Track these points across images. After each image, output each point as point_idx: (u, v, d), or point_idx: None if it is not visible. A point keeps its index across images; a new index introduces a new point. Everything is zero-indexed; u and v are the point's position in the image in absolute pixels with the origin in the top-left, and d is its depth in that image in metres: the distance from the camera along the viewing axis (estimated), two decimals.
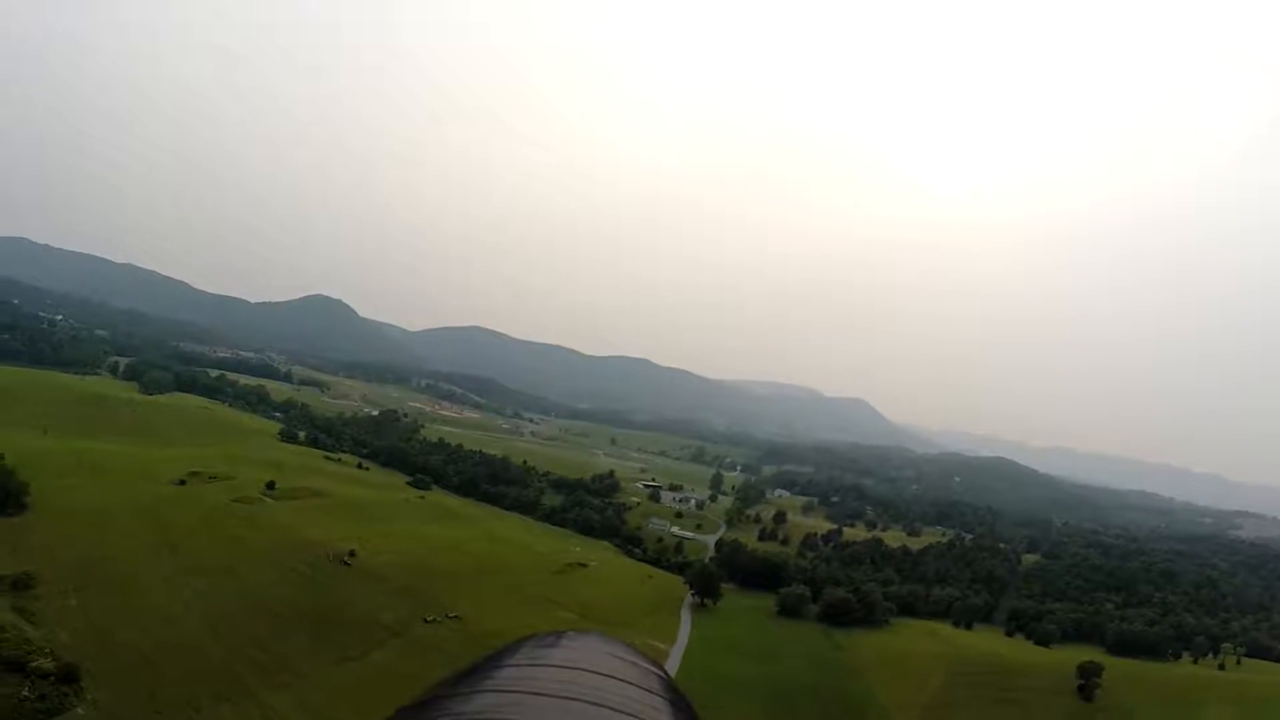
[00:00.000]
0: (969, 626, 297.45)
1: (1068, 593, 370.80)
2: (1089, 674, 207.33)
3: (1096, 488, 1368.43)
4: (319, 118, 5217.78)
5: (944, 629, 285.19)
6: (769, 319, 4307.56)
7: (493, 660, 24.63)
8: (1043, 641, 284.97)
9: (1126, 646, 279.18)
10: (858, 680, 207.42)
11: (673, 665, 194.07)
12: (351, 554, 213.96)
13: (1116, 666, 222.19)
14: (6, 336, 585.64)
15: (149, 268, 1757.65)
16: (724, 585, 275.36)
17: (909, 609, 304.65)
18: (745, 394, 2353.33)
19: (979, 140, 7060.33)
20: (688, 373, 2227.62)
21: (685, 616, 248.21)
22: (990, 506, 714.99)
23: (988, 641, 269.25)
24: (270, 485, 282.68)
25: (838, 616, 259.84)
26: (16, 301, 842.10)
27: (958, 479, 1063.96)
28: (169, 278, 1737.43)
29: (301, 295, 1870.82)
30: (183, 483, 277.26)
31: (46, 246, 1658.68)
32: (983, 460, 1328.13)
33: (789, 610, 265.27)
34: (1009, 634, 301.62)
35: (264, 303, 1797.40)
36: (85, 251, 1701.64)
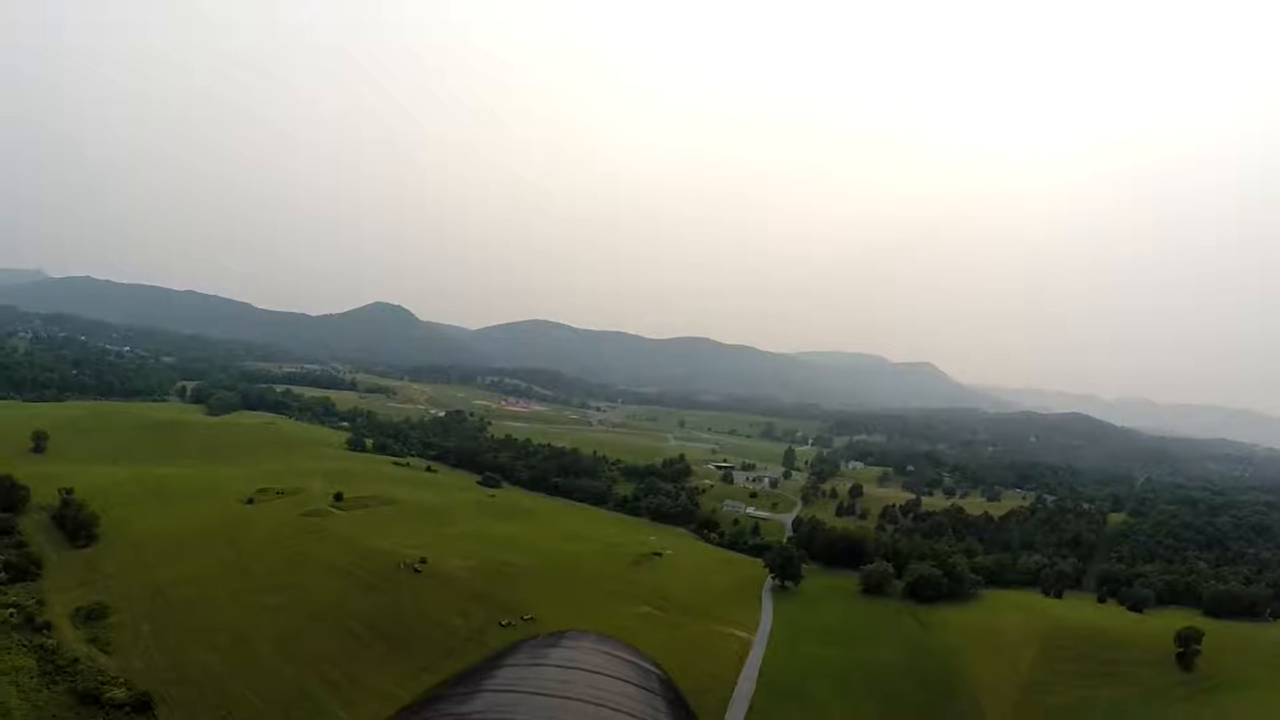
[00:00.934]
0: (1059, 595, 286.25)
1: (1158, 553, 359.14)
2: (1188, 641, 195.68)
3: (1175, 438, 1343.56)
4: (362, 134, 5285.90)
5: (1034, 599, 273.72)
6: (829, 289, 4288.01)
7: (493, 660, 30.98)
8: (1136, 607, 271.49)
9: (1223, 608, 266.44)
10: (949, 660, 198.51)
11: (756, 654, 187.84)
12: (422, 561, 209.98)
13: (1215, 631, 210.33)
14: (75, 372, 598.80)
15: (210, 292, 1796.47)
16: (804, 566, 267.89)
17: (996, 579, 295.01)
18: (811, 365, 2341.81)
19: (1033, 97, 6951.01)
20: (751, 348, 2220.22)
21: (766, 601, 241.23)
22: (1070, 465, 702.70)
23: (1080, 610, 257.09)
24: (338, 496, 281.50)
25: (923, 592, 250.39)
26: (84, 338, 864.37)
27: (1033, 438, 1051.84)
28: (230, 300, 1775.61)
29: (361, 304, 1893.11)
30: (251, 501, 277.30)
31: (108, 282, 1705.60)
32: (1057, 417, 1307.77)
33: (873, 588, 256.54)
34: (1100, 600, 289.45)
35: (325, 315, 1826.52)
36: (147, 283, 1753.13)
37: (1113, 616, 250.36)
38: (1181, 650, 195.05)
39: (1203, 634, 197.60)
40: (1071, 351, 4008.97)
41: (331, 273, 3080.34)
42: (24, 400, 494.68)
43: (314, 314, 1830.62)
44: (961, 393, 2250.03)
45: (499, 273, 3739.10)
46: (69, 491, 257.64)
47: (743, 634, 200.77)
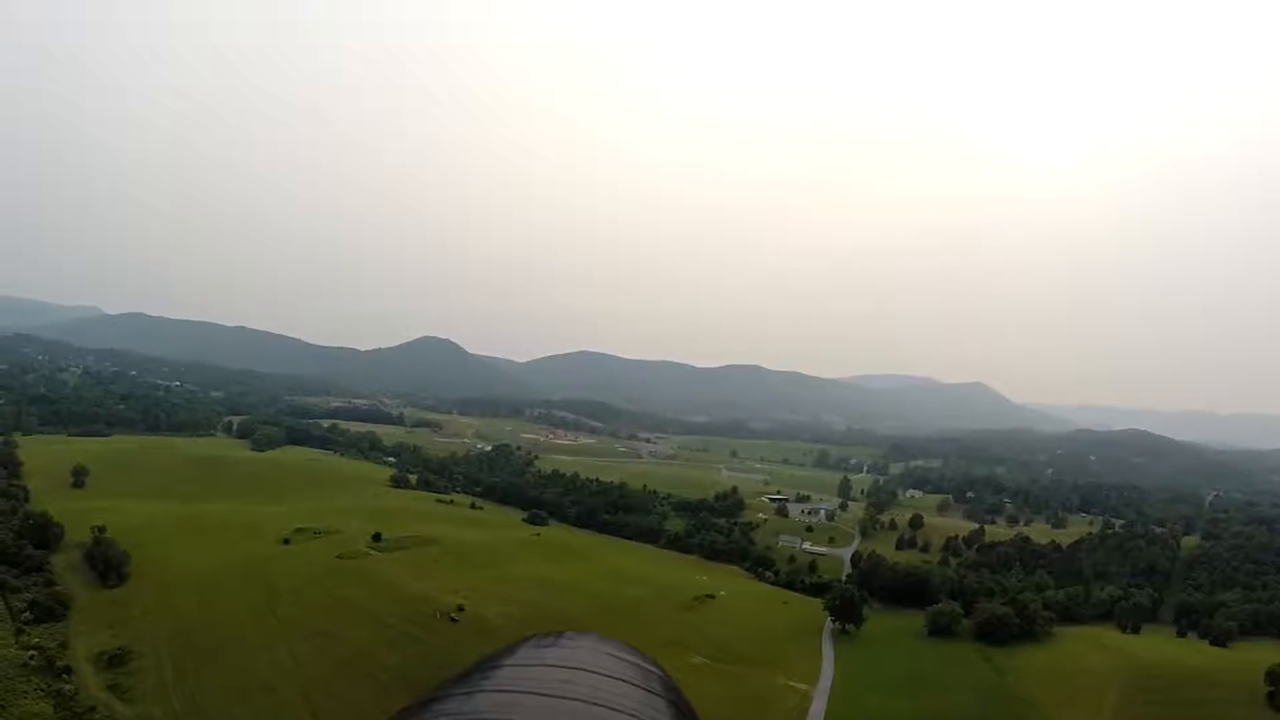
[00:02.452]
0: (1136, 629, 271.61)
1: (1237, 579, 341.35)
2: (1279, 680, 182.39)
3: (1240, 451, 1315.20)
4: (416, 176, 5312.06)
5: (1111, 635, 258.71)
6: (874, 309, 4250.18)
7: (493, 660, 29.91)
8: (1219, 640, 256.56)
9: None
10: (1027, 709, 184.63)
11: (818, 708, 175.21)
12: (460, 608, 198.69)
13: None
14: (122, 406, 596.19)
15: (260, 328, 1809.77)
16: (866, 606, 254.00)
17: (1069, 615, 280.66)
18: (861, 389, 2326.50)
19: (1077, 103, 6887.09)
20: (800, 374, 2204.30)
21: (827, 647, 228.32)
22: (1133, 485, 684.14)
23: (1160, 647, 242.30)
24: (376, 537, 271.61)
25: (994, 633, 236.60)
26: (134, 372, 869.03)
27: (1093, 457, 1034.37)
28: (280, 335, 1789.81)
29: (411, 339, 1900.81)
30: (287, 541, 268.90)
31: (161, 318, 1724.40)
32: (1116, 435, 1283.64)
33: (940, 630, 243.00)
34: (1180, 634, 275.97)
35: (374, 349, 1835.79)
36: (198, 319, 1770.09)
37: (1196, 653, 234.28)
38: (1273, 689, 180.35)
39: None
40: (1125, 362, 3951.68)
41: (381, 309, 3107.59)
42: (70, 435, 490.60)
43: (364, 349, 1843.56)
44: (1015, 411, 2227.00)
45: (547, 304, 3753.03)
46: (101, 529, 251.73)
47: (802, 685, 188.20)
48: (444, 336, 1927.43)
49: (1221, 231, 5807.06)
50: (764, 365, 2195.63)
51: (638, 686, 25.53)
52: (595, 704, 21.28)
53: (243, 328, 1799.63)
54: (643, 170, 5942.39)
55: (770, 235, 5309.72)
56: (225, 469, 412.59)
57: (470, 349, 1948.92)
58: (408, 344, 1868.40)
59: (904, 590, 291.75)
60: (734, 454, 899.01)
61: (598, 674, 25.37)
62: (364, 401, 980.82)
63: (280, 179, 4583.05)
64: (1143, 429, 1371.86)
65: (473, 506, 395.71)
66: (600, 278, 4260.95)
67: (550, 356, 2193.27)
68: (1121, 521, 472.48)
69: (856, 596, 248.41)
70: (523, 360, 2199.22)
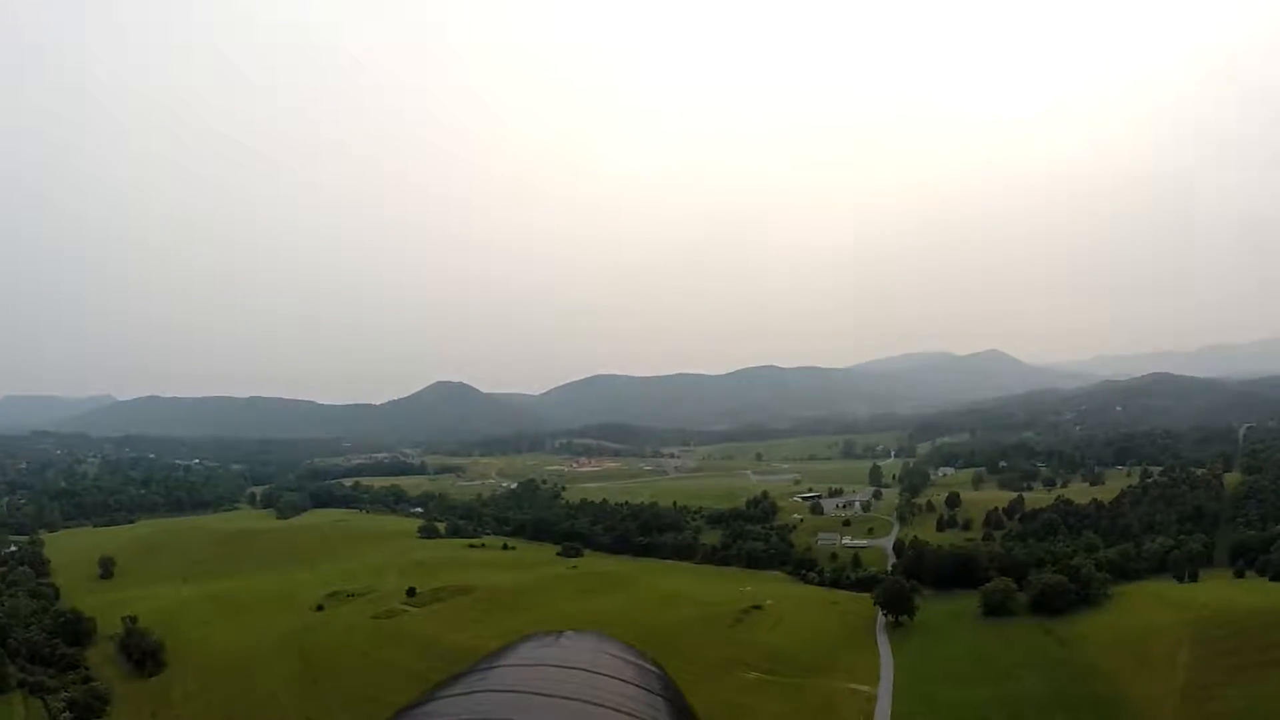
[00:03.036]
0: (1194, 577, 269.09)
1: None
2: None
3: (1265, 378, 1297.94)
4: (400, 224, 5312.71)
5: (1169, 588, 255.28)
6: (880, 292, 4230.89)
7: (492, 660, 24.46)
8: None
9: None
10: (1099, 680, 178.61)
11: (883, 709, 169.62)
12: None
13: None
14: (144, 491, 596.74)
15: (274, 395, 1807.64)
16: (916, 595, 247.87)
17: (1123, 572, 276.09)
18: (878, 374, 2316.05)
19: (1063, 56, 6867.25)
20: (815, 368, 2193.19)
21: (883, 642, 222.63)
22: (1165, 430, 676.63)
23: (1223, 592, 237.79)
24: (410, 592, 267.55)
25: (1052, 604, 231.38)
26: (152, 455, 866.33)
27: (1119, 408, 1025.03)
28: (294, 400, 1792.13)
29: (423, 386, 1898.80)
30: (321, 608, 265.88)
31: (175, 399, 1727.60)
32: (1138, 381, 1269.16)
33: (995, 609, 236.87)
34: (1239, 575, 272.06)
35: (389, 402, 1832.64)
36: (212, 395, 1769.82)
37: (1260, 593, 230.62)
38: None
39: None
40: (1136, 306, 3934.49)
41: (391, 360, 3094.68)
42: (95, 525, 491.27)
43: (378, 402, 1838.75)
44: (1033, 373, 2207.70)
45: (553, 333, 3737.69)
46: (133, 619, 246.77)
47: (864, 687, 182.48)
48: (456, 380, 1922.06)
49: (1218, 161, 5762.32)
50: (778, 364, 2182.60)
51: (637, 686, 23.27)
52: (595, 704, 20.18)
53: (257, 398, 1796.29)
54: (638, 185, 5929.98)
55: (769, 233, 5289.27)
56: (253, 541, 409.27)
57: (483, 389, 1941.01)
58: (421, 391, 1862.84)
59: (952, 572, 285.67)
60: (759, 457, 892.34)
61: (597, 674, 23.60)
62: (385, 455, 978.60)
63: (277, 245, 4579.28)
64: (1164, 371, 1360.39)
65: (505, 547, 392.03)
66: (602, 299, 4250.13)
67: (564, 385, 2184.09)
68: (1159, 469, 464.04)
69: (905, 586, 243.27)
70: (537, 393, 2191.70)
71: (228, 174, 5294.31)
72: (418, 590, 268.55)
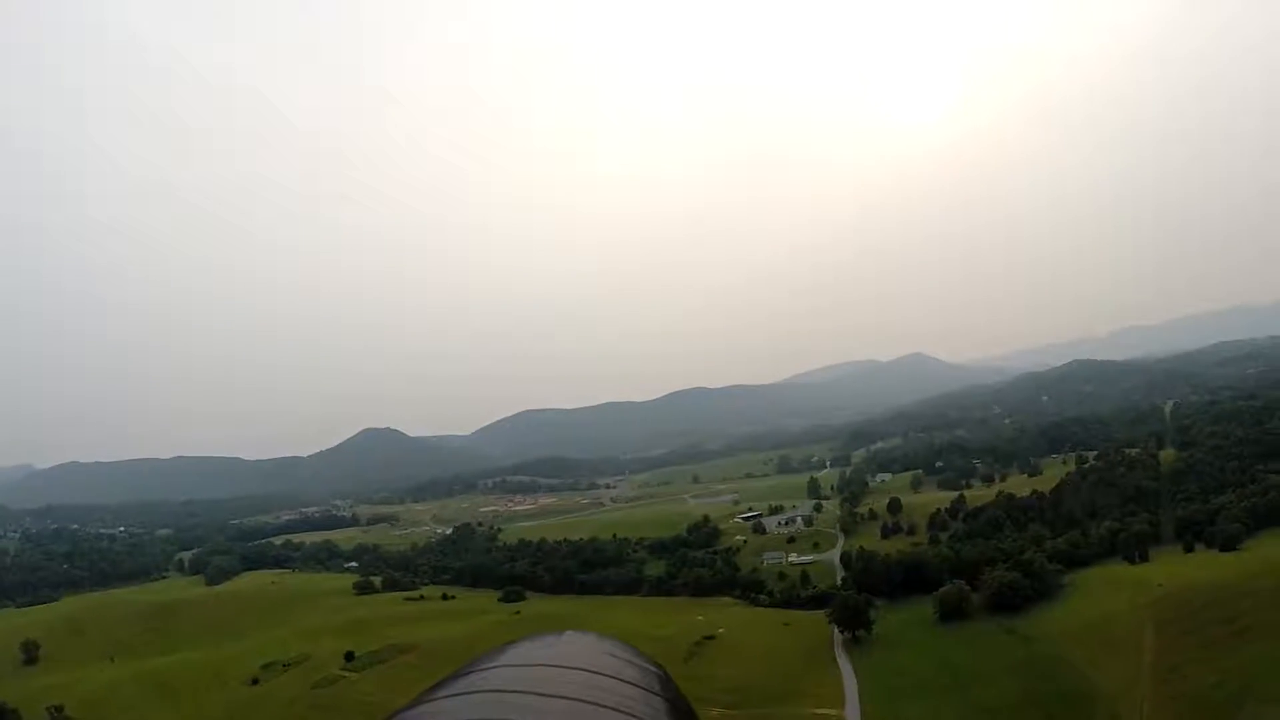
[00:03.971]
0: (1144, 557, 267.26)
1: (1226, 479, 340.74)
2: None
3: (1180, 355, 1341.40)
4: (320, 265, 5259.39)
5: (1122, 570, 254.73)
6: (803, 309, 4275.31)
7: (490, 660, 25.17)
8: (1229, 545, 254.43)
9: None
10: (1067, 673, 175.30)
11: None
12: None
13: None
14: (66, 566, 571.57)
15: (198, 455, 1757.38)
16: (870, 607, 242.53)
17: (1074, 560, 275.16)
18: (806, 386, 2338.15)
19: (941, 61, 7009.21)
20: (743, 385, 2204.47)
21: (843, 661, 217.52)
22: (1094, 415, 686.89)
23: (1176, 568, 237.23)
24: (349, 656, 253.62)
25: (1008, 601, 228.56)
26: (75, 526, 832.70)
27: (1045, 397, 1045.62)
28: (220, 458, 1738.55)
29: (350, 435, 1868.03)
30: (256, 681, 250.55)
31: (96, 464, 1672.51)
32: (1060, 369, 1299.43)
33: (951, 612, 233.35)
34: (1188, 549, 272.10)
35: (317, 453, 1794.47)
36: (134, 458, 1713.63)
37: (1213, 565, 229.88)
38: None
39: None
40: (1048, 296, 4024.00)
41: (316, 411, 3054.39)
42: (18, 606, 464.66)
43: (305, 454, 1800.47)
44: (958, 372, 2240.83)
45: (478, 371, 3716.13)
46: (59, 709, 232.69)
47: (831, 711, 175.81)
48: (384, 426, 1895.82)
49: (1113, 156, 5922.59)
50: (706, 385, 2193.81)
51: (637, 686, 24.06)
52: (595, 704, 19.73)
53: (180, 457, 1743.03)
54: (551, 215, 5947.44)
55: (687, 254, 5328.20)
56: (181, 613, 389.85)
57: (411, 433, 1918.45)
58: (348, 441, 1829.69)
59: (903, 579, 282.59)
60: (696, 479, 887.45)
61: (596, 673, 24.12)
62: (315, 509, 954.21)
63: (192, 296, 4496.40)
64: (1082, 358, 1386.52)
65: (444, 597, 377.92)
66: (523, 332, 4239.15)
67: (493, 423, 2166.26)
68: (1094, 453, 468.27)
69: (858, 601, 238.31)
70: (467, 433, 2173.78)
71: (137, 220, 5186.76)
72: (356, 653, 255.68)
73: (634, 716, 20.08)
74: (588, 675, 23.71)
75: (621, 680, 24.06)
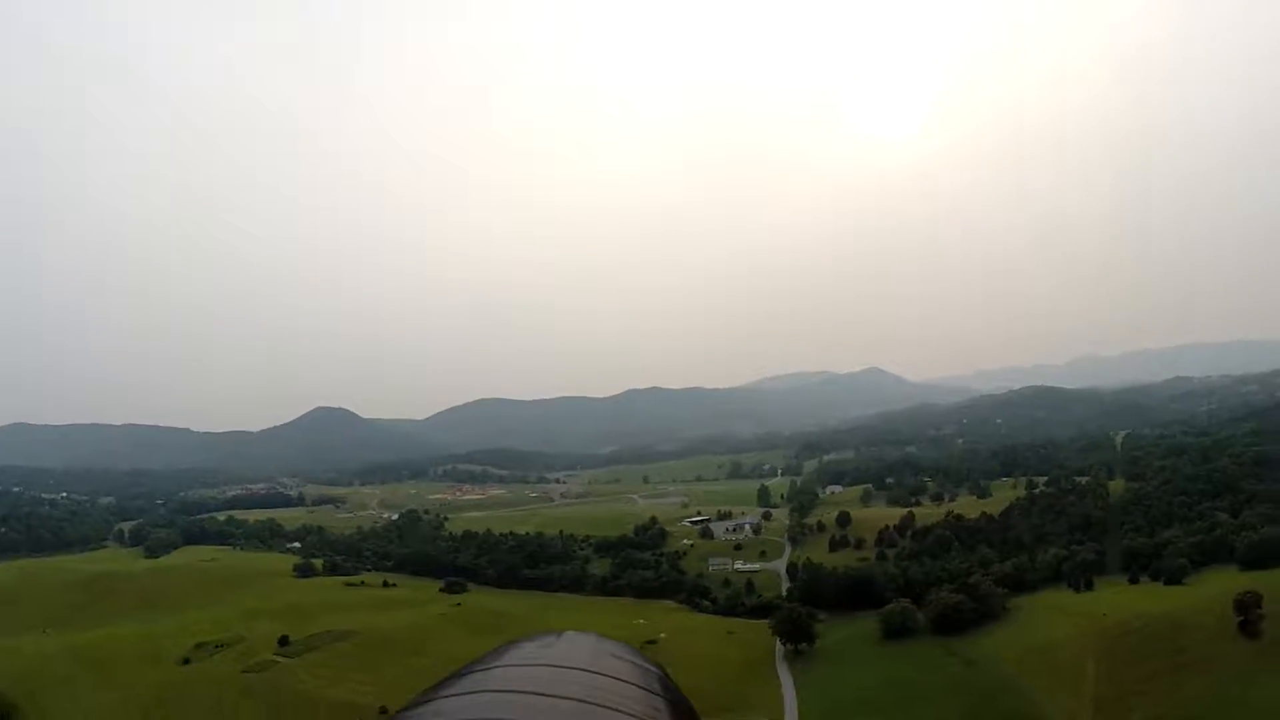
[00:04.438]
0: (1090, 586, 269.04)
1: (1173, 513, 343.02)
2: (1247, 607, 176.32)
3: (1132, 387, 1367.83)
4: (280, 234, 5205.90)
5: (1067, 598, 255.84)
6: (764, 315, 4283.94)
7: (491, 660, 26.69)
8: (1174, 579, 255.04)
9: (1262, 557, 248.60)
10: (1010, 697, 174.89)
11: None
12: (383, 710, 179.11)
13: (1265, 583, 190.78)
14: (3, 530, 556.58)
15: (149, 423, 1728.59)
16: (815, 620, 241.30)
17: (1019, 584, 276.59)
18: (762, 394, 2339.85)
19: (918, 74, 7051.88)
20: (699, 388, 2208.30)
21: (784, 673, 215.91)
22: (1046, 440, 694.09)
23: (1120, 599, 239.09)
24: (284, 641, 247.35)
25: (953, 623, 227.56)
26: (17, 488, 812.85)
27: (999, 420, 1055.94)
28: (170, 428, 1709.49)
29: (302, 412, 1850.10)
30: (188, 661, 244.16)
31: (45, 426, 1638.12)
32: (1015, 394, 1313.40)
33: (896, 631, 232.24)
34: (1133, 580, 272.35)
35: (267, 429, 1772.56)
36: (84, 422, 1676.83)
37: (1157, 597, 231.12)
38: (1243, 618, 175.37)
39: (1261, 596, 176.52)
40: (1008, 321, 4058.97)
41: (268, 385, 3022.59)
42: None
43: (255, 430, 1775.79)
44: (914, 389, 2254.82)
45: (435, 357, 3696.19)
46: None
47: None
48: (337, 405, 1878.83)
49: (1083, 186, 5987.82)
50: (662, 385, 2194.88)
51: (637, 686, 23.89)
52: (594, 704, 20.02)
53: (132, 425, 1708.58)
54: (512, 207, 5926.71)
55: (648, 256, 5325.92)
56: (119, 585, 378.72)
57: (365, 414, 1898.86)
58: (300, 418, 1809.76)
59: (849, 594, 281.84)
60: (646, 480, 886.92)
61: (597, 674, 23.85)
62: (261, 486, 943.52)
63: (153, 263, 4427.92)
64: (1039, 384, 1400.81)
65: (386, 585, 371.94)
66: (484, 322, 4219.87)
67: (449, 410, 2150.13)
68: (1044, 479, 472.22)
69: (803, 614, 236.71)
70: (421, 418, 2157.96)
71: (94, 181, 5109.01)
72: (291, 638, 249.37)
73: (634, 717, 20.07)
74: (588, 675, 23.64)
75: (621, 680, 23.97)
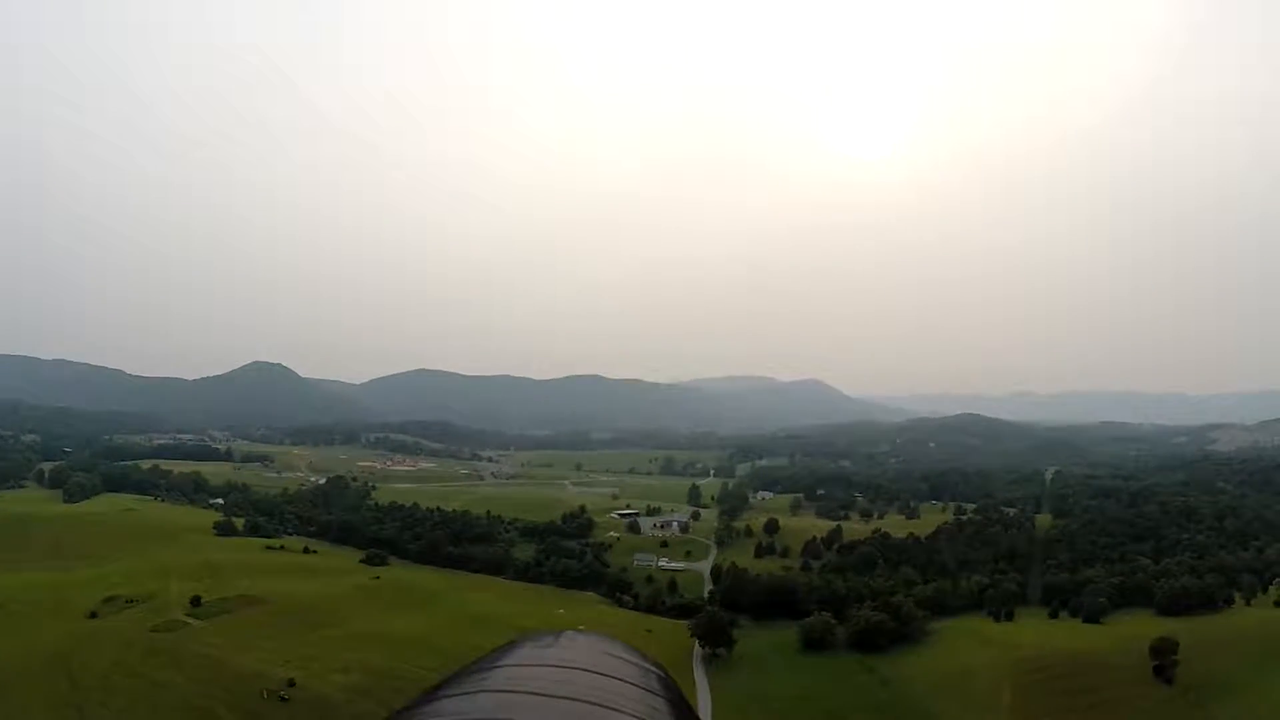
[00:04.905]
0: (1009, 616, 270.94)
1: (1097, 554, 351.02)
2: (1163, 653, 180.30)
3: (1066, 427, 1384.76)
4: (232, 176, 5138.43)
5: (987, 627, 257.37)
6: (711, 316, 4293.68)
7: (492, 660, 27.11)
8: (1093, 617, 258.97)
9: (1178, 604, 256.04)
10: None
11: None
12: (290, 683, 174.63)
13: (1179, 631, 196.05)
14: None
15: (81, 360, 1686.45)
16: (734, 625, 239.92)
17: (941, 608, 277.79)
18: (701, 393, 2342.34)
19: (891, 100, 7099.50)
20: (640, 381, 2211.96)
21: (700, 676, 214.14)
22: (978, 469, 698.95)
23: (1040, 632, 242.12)
24: (196, 601, 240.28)
25: (872, 640, 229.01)
26: None
27: (932, 444, 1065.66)
28: (102, 367, 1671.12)
29: (239, 365, 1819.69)
30: (95, 615, 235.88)
31: None
32: (951, 420, 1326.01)
33: (815, 643, 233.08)
34: (1053, 615, 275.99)
35: (202, 378, 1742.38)
36: (11, 353, 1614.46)
37: (1075, 635, 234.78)
38: (1158, 663, 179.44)
39: (1178, 644, 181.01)
40: (951, 352, 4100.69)
41: (207, 333, 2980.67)
42: None
43: (190, 378, 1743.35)
44: (852, 404, 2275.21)
45: (380, 321, 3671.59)
46: None
47: None
48: (275, 361, 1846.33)
49: (1037, 226, 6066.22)
50: (604, 374, 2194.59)
51: (638, 686, 24.45)
52: (595, 704, 20.29)
53: (63, 361, 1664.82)
54: (474, 176, 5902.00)
55: (603, 244, 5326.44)
56: (31, 529, 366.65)
57: (303, 373, 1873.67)
58: (237, 370, 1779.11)
59: (771, 602, 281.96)
60: (578, 467, 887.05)
61: (597, 674, 23.89)
62: (190, 437, 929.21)
63: (100, 189, 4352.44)
64: (974, 413, 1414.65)
65: (306, 550, 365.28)
66: (432, 291, 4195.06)
67: (387, 377, 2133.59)
68: (973, 506, 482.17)
69: (724, 619, 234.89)
70: (359, 382, 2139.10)
71: (43, 111, 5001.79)
72: (204, 599, 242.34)
73: (634, 717, 20.08)
74: (588, 675, 23.72)
75: (622, 680, 24.32)
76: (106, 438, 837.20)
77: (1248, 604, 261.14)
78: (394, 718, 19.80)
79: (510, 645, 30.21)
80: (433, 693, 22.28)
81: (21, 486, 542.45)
